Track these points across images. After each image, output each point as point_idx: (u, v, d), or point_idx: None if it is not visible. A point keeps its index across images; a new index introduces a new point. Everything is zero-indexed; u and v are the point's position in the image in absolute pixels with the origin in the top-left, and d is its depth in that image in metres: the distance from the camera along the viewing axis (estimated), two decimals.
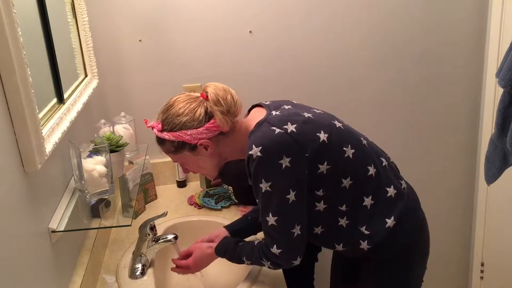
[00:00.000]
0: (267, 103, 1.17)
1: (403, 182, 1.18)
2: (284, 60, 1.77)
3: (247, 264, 1.17)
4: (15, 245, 0.77)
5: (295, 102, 1.20)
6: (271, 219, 1.05)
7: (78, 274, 1.09)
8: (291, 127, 1.04)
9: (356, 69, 1.82)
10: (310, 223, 1.12)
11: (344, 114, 1.87)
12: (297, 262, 1.09)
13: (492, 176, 1.23)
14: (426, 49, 1.83)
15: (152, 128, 1.11)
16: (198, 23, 1.68)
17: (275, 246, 1.07)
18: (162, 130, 1.08)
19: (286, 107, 1.14)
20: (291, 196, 1.03)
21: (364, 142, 1.14)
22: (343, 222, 1.12)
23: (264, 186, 1.03)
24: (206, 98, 1.08)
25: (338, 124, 1.12)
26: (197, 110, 1.07)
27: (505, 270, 1.92)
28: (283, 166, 1.01)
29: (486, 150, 1.23)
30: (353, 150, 1.09)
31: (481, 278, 2.07)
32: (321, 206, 1.10)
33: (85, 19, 1.44)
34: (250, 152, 1.03)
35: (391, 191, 1.12)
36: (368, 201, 1.10)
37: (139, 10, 1.64)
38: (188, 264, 1.24)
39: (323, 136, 1.06)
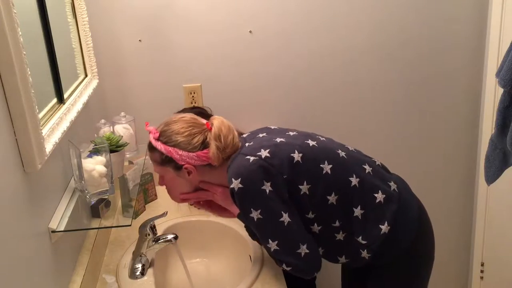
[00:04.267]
0: (243, 135, 1.19)
1: (391, 183, 1.16)
2: (284, 60, 1.77)
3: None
4: (15, 245, 0.77)
5: (271, 128, 1.22)
6: (273, 245, 1.05)
7: (78, 274, 1.09)
8: (264, 153, 1.05)
9: (356, 69, 1.82)
10: None
11: (344, 114, 1.89)
12: (313, 275, 1.09)
13: (492, 176, 1.22)
14: (426, 49, 1.83)
15: (149, 132, 1.13)
16: (198, 23, 1.68)
17: (284, 265, 1.07)
18: (157, 139, 1.11)
19: (261, 135, 1.16)
20: (285, 218, 1.03)
21: (342, 154, 1.13)
22: (340, 236, 1.12)
23: (255, 215, 1.04)
24: (210, 129, 1.09)
25: (311, 143, 1.12)
26: (196, 136, 1.09)
27: (505, 270, 1.92)
28: (267, 191, 1.02)
29: (486, 150, 1.23)
30: (330, 165, 1.09)
31: (481, 278, 2.07)
32: (316, 228, 1.11)
33: (85, 19, 1.44)
34: (231, 186, 1.04)
35: (379, 196, 1.11)
36: (358, 211, 1.10)
37: (139, 10, 1.64)
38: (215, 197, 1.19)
39: (297, 156, 1.06)
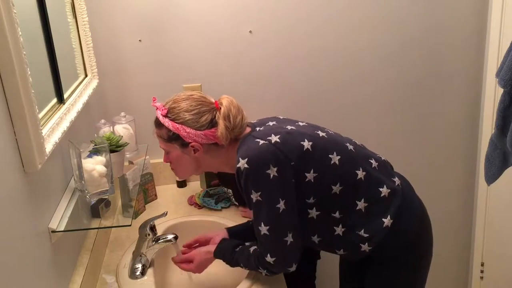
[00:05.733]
0: (253, 122, 1.20)
1: (396, 179, 1.18)
2: (284, 60, 1.77)
3: (245, 269, 1.19)
4: (15, 245, 0.77)
5: (281, 118, 1.23)
6: (263, 229, 1.07)
7: (78, 274, 1.09)
8: (275, 138, 1.07)
9: (356, 69, 1.82)
10: (306, 232, 1.13)
11: (344, 114, 1.89)
12: (292, 268, 1.10)
13: (492, 176, 1.23)
14: (426, 49, 1.83)
15: (157, 109, 1.13)
16: (198, 23, 1.68)
17: (269, 255, 1.08)
18: (165, 116, 1.11)
19: (271, 123, 1.17)
20: (281, 205, 1.04)
21: (350, 147, 1.15)
22: (339, 230, 1.12)
23: (255, 196, 1.05)
24: (218, 109, 1.10)
25: (321, 134, 1.14)
26: (205, 114, 1.10)
27: (505, 270, 1.92)
28: (271, 175, 1.03)
29: (486, 150, 1.23)
30: (339, 157, 1.10)
31: (481, 278, 2.07)
32: (313, 213, 1.11)
33: (85, 19, 1.44)
34: (238, 165, 1.05)
35: (384, 190, 1.12)
36: (361, 205, 1.11)
37: (139, 10, 1.64)
38: (192, 269, 1.25)
39: (307, 144, 1.07)
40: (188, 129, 1.09)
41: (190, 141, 1.10)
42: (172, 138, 1.12)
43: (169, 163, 1.22)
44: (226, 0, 1.67)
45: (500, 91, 1.09)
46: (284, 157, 1.04)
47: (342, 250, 1.15)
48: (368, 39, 1.79)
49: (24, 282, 0.79)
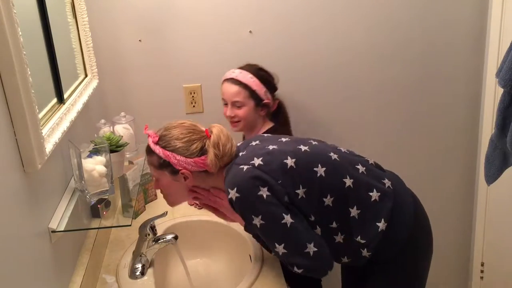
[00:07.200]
0: (237, 144, 1.20)
1: (386, 181, 1.18)
2: (284, 60, 1.77)
3: None
4: (15, 245, 0.77)
5: (265, 136, 1.23)
6: (280, 249, 1.06)
7: (78, 274, 1.09)
8: (257, 161, 1.07)
9: (355, 69, 1.82)
10: None
11: (344, 115, 1.89)
12: (326, 274, 1.09)
13: (492, 176, 1.23)
14: (426, 49, 1.83)
15: (148, 136, 1.14)
16: (198, 23, 1.68)
17: (295, 267, 1.08)
18: (156, 143, 1.12)
19: (254, 143, 1.17)
20: (287, 219, 1.04)
21: (334, 156, 1.14)
22: (339, 238, 1.13)
23: (257, 221, 1.05)
24: (209, 137, 1.11)
25: (303, 148, 1.13)
26: (195, 142, 1.10)
27: (505, 270, 1.92)
28: (264, 196, 1.03)
29: (486, 150, 1.23)
30: (324, 168, 1.10)
31: (481, 278, 2.07)
32: (318, 231, 1.12)
33: (85, 19, 1.44)
34: (229, 197, 1.05)
35: (374, 195, 1.12)
36: (354, 212, 1.11)
37: (139, 10, 1.64)
38: (223, 216, 1.23)
39: (290, 161, 1.08)
40: (178, 157, 1.09)
41: (180, 168, 1.11)
42: (162, 165, 1.13)
43: (160, 190, 1.21)
44: (226, 0, 1.67)
45: (500, 91, 1.09)
46: (271, 177, 1.05)
47: (346, 257, 1.15)
48: (368, 39, 1.79)
49: (24, 282, 0.79)
